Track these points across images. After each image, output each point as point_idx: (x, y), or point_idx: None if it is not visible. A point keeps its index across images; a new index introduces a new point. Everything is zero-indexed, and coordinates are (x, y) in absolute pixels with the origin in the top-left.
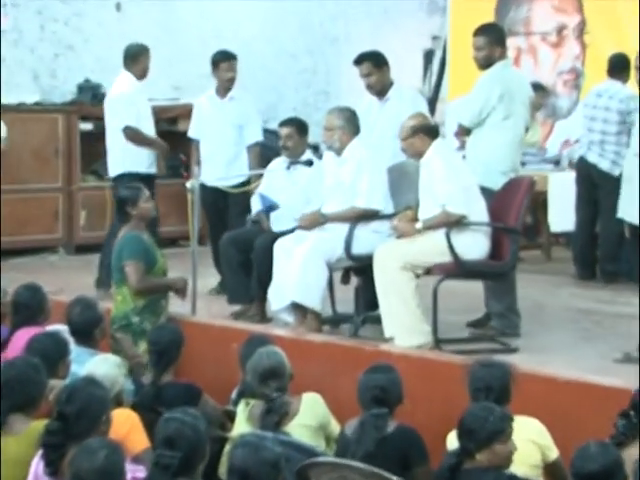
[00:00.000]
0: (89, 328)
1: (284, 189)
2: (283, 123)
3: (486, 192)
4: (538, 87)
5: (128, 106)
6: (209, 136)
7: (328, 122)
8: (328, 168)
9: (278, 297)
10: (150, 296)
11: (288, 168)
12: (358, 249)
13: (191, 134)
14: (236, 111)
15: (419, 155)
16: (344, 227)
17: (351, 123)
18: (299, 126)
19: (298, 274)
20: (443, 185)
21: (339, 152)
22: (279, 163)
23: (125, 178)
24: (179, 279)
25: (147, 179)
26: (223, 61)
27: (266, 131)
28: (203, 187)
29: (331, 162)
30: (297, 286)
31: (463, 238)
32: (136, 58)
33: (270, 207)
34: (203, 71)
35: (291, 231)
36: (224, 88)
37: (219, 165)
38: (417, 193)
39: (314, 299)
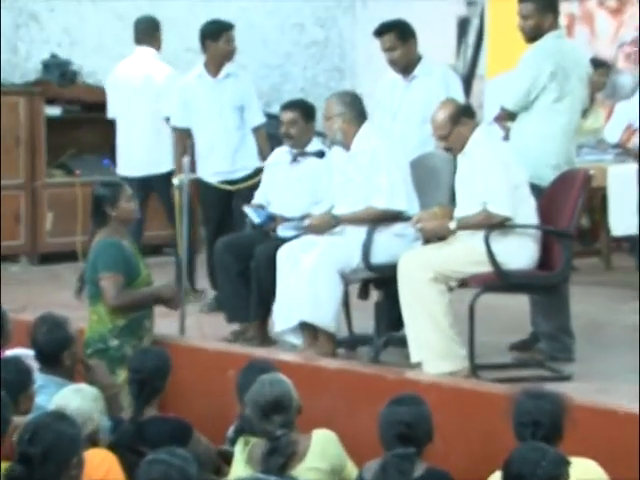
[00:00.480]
0: (58, 352)
1: (287, 187)
2: (285, 106)
3: (534, 189)
4: (599, 63)
5: (173, 91)
6: (205, 123)
7: (326, 110)
8: (336, 164)
9: (283, 315)
10: (131, 315)
11: (295, 160)
12: (378, 257)
13: (176, 122)
14: (234, 90)
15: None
16: (361, 231)
17: (353, 109)
18: (304, 110)
19: (306, 287)
20: (486, 179)
21: (344, 145)
22: (281, 155)
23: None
24: (166, 287)
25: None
26: (223, 32)
27: (268, 116)
28: (203, 184)
29: (339, 157)
30: (305, 302)
31: (506, 243)
32: (153, 32)
33: (268, 218)
34: (191, 44)
35: (298, 235)
36: (217, 65)
37: (223, 155)
38: (449, 191)
39: (326, 317)
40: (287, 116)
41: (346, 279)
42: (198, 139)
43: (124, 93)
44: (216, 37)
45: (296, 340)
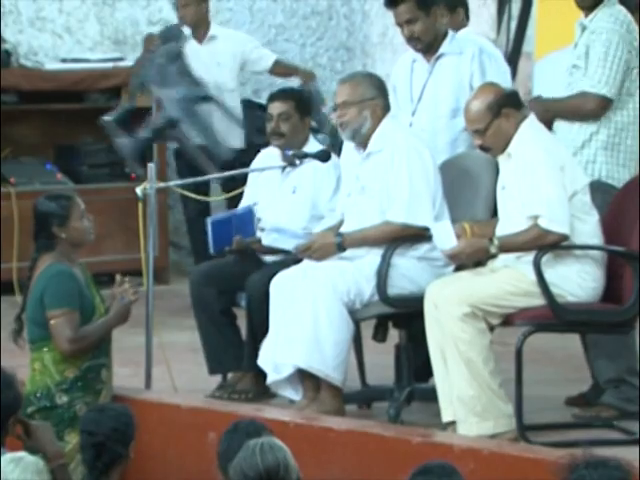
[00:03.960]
0: (8, 417)
1: (279, 199)
2: (275, 97)
3: (603, 192)
4: None
5: None
6: None
7: (339, 95)
8: (348, 166)
9: (273, 362)
10: (85, 364)
11: (292, 164)
12: (397, 287)
13: None
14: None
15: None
16: (375, 253)
17: (384, 95)
18: (299, 101)
19: (304, 326)
20: (537, 187)
21: (360, 140)
22: (270, 157)
23: None
24: (120, 310)
25: None
26: None
27: (259, 107)
28: None
29: (351, 157)
30: (300, 343)
31: (562, 269)
32: None
33: (226, 238)
34: (159, 16)
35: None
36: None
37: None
38: (488, 202)
39: (326, 364)
40: (277, 108)
41: (356, 315)
42: None
43: None
44: None
45: (294, 394)
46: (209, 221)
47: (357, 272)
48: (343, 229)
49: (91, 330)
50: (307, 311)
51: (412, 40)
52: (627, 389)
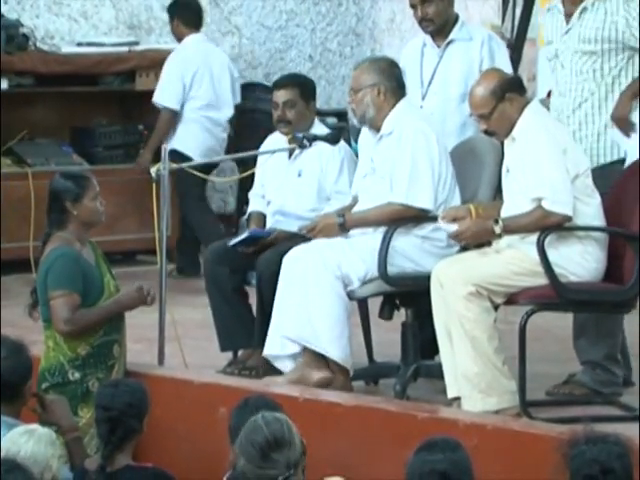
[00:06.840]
0: (21, 383)
1: (286, 183)
2: (279, 84)
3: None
4: None
5: None
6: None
7: (354, 80)
8: (364, 148)
9: (278, 336)
10: (96, 340)
11: (302, 146)
12: (398, 266)
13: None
14: None
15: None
16: (379, 232)
17: (390, 79)
18: (304, 87)
19: (296, 300)
20: (540, 169)
21: (370, 125)
22: (277, 142)
23: None
24: (128, 294)
25: None
26: None
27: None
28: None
29: (368, 139)
30: (295, 317)
31: (565, 250)
32: None
33: (250, 238)
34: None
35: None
36: None
37: None
38: (494, 185)
39: (322, 337)
40: (282, 96)
41: (355, 294)
42: None
43: None
44: None
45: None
46: (249, 232)
47: (350, 248)
48: (357, 210)
49: (89, 313)
50: (298, 286)
51: (425, 21)
52: (602, 373)
